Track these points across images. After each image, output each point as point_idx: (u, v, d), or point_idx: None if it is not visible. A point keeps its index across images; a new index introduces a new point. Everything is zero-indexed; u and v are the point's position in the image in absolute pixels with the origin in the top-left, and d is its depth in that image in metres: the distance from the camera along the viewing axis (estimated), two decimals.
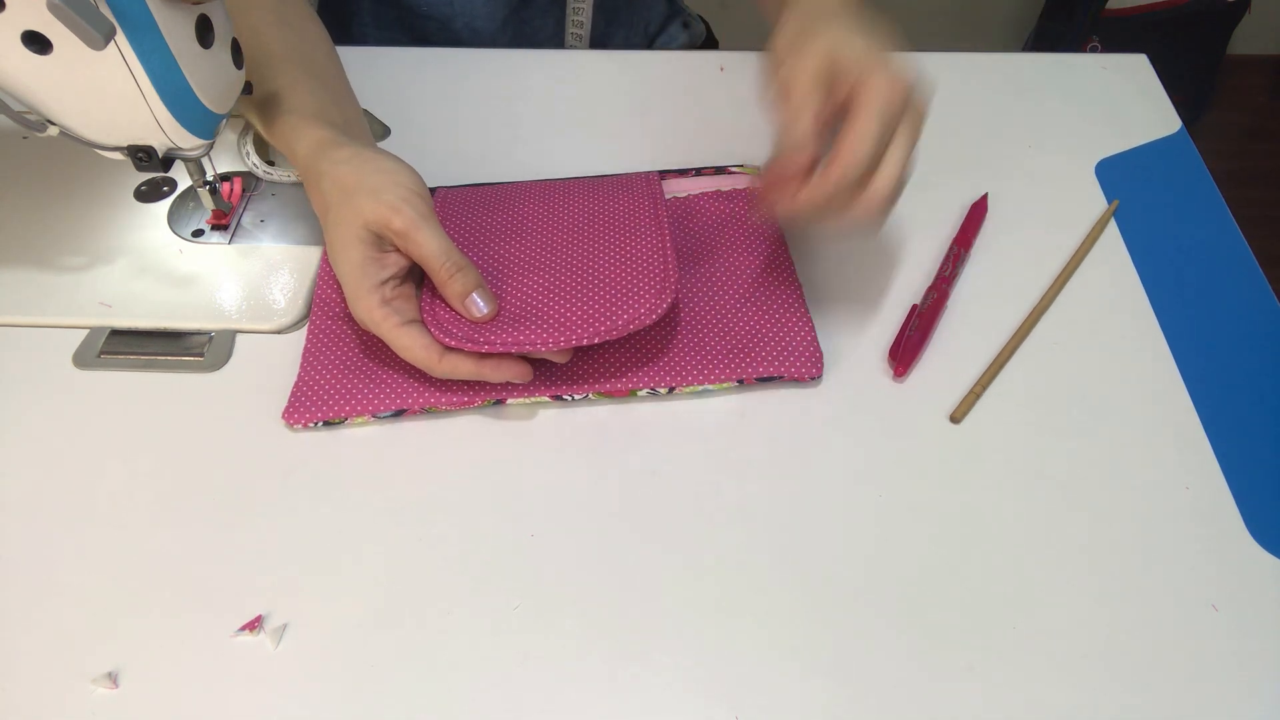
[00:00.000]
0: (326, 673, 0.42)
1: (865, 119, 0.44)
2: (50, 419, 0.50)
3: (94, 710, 0.40)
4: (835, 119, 0.47)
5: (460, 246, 0.52)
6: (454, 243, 0.50)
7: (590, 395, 0.50)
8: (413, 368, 0.50)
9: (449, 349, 0.49)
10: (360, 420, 0.50)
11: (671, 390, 0.51)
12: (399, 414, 0.50)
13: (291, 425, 0.50)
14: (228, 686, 0.41)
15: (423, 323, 0.49)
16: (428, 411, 0.50)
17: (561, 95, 0.71)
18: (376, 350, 0.52)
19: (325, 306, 0.54)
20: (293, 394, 0.50)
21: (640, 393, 0.51)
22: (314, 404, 0.50)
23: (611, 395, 0.51)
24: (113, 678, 0.41)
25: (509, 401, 0.50)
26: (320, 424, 0.50)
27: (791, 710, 0.41)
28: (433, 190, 0.59)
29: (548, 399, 0.50)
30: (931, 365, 0.53)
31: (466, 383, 0.50)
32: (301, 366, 0.51)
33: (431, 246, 0.48)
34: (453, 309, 0.49)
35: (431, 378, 0.50)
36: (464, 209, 0.58)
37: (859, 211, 0.46)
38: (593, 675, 0.42)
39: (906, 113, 0.46)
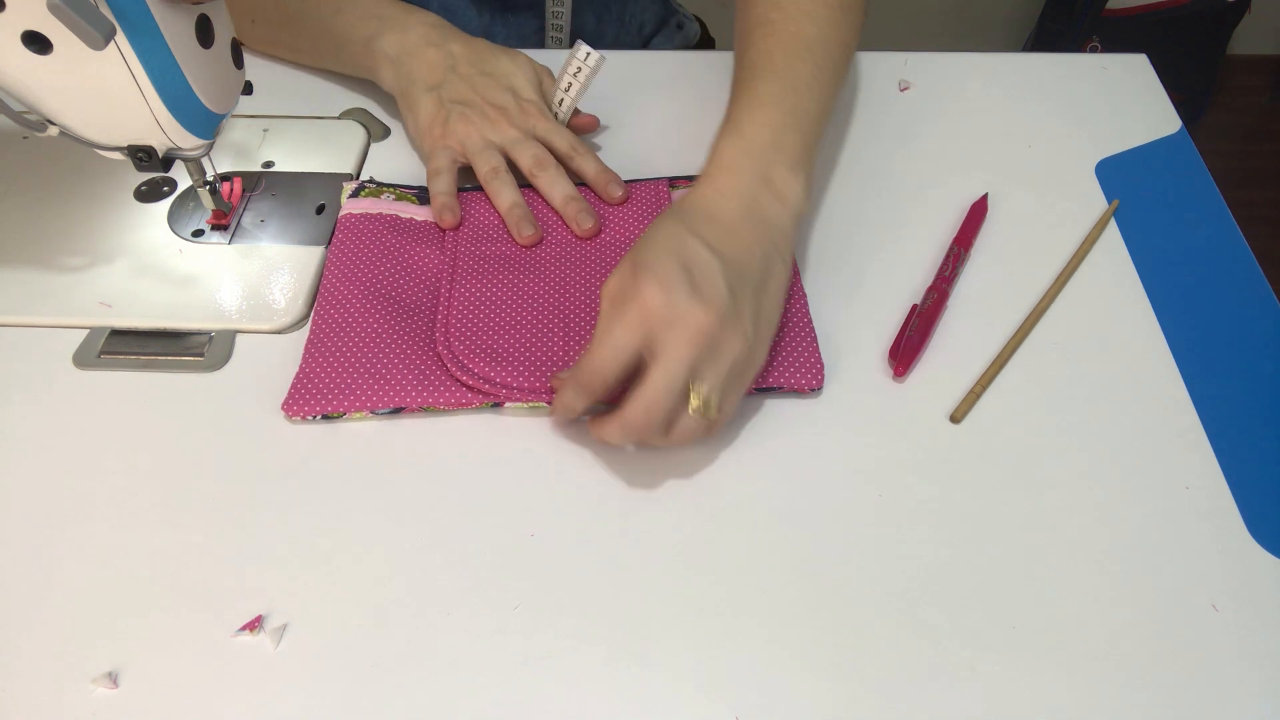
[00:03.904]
0: (326, 673, 0.42)
1: (608, 327, 0.44)
2: (50, 419, 0.50)
3: (94, 710, 0.40)
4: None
5: (470, 272, 0.55)
6: (464, 266, 0.56)
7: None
8: (413, 365, 0.51)
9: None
10: (358, 415, 0.50)
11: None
12: (397, 412, 0.50)
13: (290, 416, 0.50)
14: (228, 686, 0.41)
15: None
16: (425, 410, 0.50)
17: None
18: (379, 346, 0.52)
19: (331, 298, 0.54)
20: (293, 385, 0.50)
21: None
22: (314, 397, 0.50)
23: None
24: (113, 678, 0.41)
25: (506, 405, 0.50)
26: (319, 417, 0.50)
27: (791, 710, 0.41)
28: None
29: (545, 404, 0.50)
30: (931, 365, 0.53)
31: (465, 384, 0.50)
32: (304, 358, 0.51)
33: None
34: (467, 345, 0.51)
35: (430, 376, 0.50)
36: (477, 226, 0.58)
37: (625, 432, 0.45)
38: (593, 675, 0.42)
39: (663, 333, 0.43)
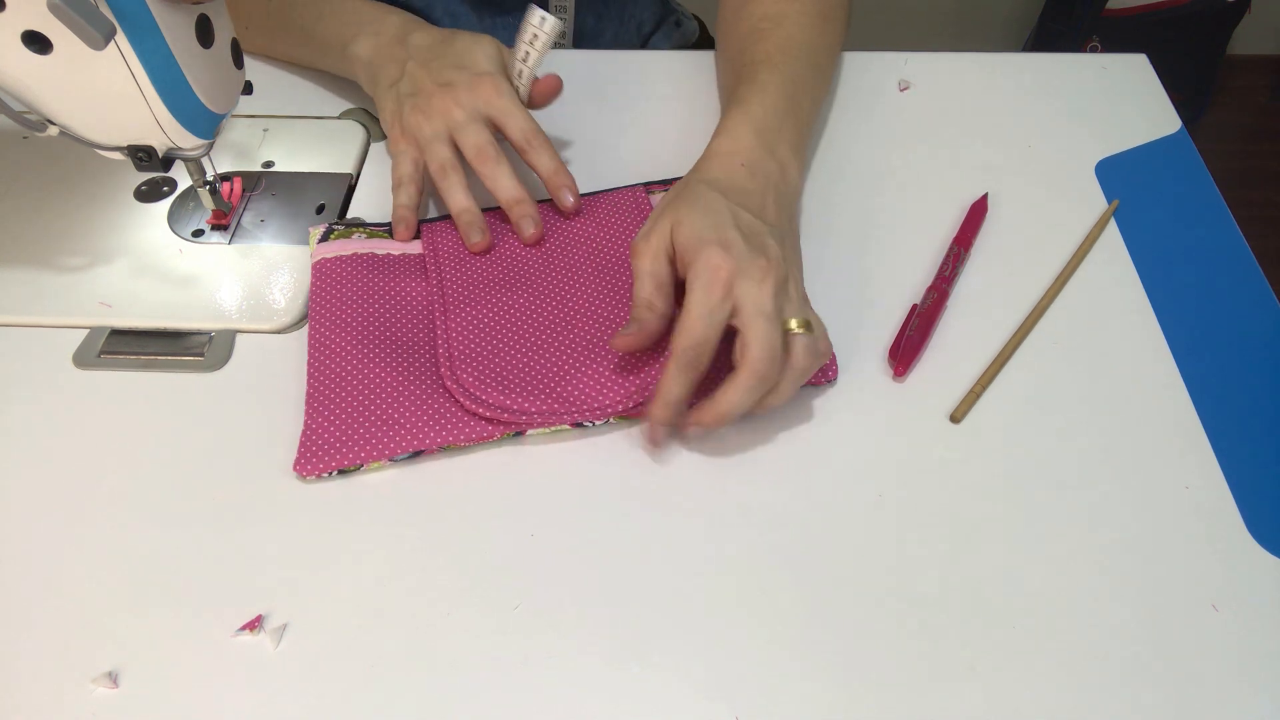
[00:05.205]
0: (326, 673, 0.42)
1: (692, 304, 0.46)
2: (50, 419, 0.50)
3: (94, 710, 0.40)
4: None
5: (461, 300, 0.54)
6: (453, 295, 0.54)
7: (611, 420, 0.50)
8: (427, 406, 0.49)
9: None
10: (375, 466, 0.48)
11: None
12: (416, 455, 0.48)
13: (304, 477, 0.47)
14: (228, 686, 0.41)
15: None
16: (446, 449, 0.49)
17: None
18: (384, 391, 0.50)
19: (322, 348, 0.52)
20: (301, 444, 0.48)
21: None
22: (325, 453, 0.48)
23: (633, 418, 0.50)
24: (113, 678, 0.41)
25: (529, 432, 0.49)
26: (335, 473, 0.48)
27: (791, 710, 0.41)
28: (420, 223, 0.58)
29: (568, 427, 0.49)
30: (931, 365, 0.53)
31: (486, 417, 0.49)
32: (306, 415, 0.49)
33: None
34: (477, 379, 0.50)
35: (445, 414, 0.49)
36: (457, 251, 0.57)
37: (753, 393, 0.46)
38: (593, 675, 0.42)
39: (740, 286, 0.46)
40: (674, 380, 0.46)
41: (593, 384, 0.50)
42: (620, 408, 0.49)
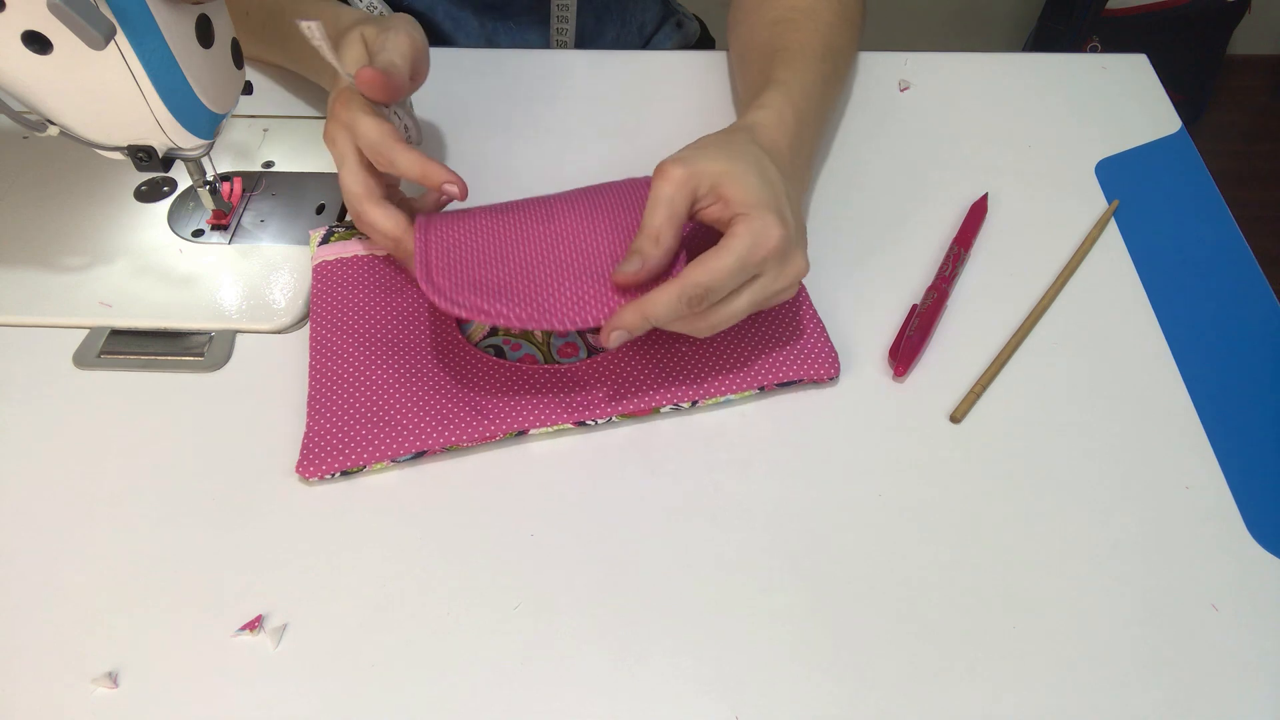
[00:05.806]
0: (326, 673, 0.42)
1: (729, 254, 0.44)
2: (50, 419, 0.50)
3: (94, 710, 0.40)
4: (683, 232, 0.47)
5: (444, 220, 0.51)
6: (437, 218, 0.52)
7: (614, 418, 0.50)
8: (430, 406, 0.49)
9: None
10: (379, 467, 0.48)
11: (694, 404, 0.50)
12: (419, 456, 0.48)
13: (307, 479, 0.47)
14: (228, 686, 0.41)
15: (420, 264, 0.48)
16: (449, 450, 0.49)
17: (553, 97, 0.70)
18: (387, 391, 0.50)
19: (323, 350, 0.52)
20: (304, 446, 0.48)
21: (663, 409, 0.50)
22: (328, 455, 0.47)
23: (635, 415, 0.50)
24: (113, 678, 0.41)
25: (531, 431, 0.49)
26: (338, 474, 0.48)
27: (791, 710, 0.41)
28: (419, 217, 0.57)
29: (571, 425, 0.49)
30: (931, 365, 0.53)
31: (489, 416, 0.49)
32: (308, 416, 0.49)
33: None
34: (451, 276, 0.47)
35: (449, 415, 0.49)
36: (452, 225, 0.55)
37: (685, 327, 0.46)
38: (593, 675, 0.42)
39: (768, 266, 0.45)
40: (669, 304, 0.44)
41: (572, 296, 0.47)
42: (596, 321, 0.46)
